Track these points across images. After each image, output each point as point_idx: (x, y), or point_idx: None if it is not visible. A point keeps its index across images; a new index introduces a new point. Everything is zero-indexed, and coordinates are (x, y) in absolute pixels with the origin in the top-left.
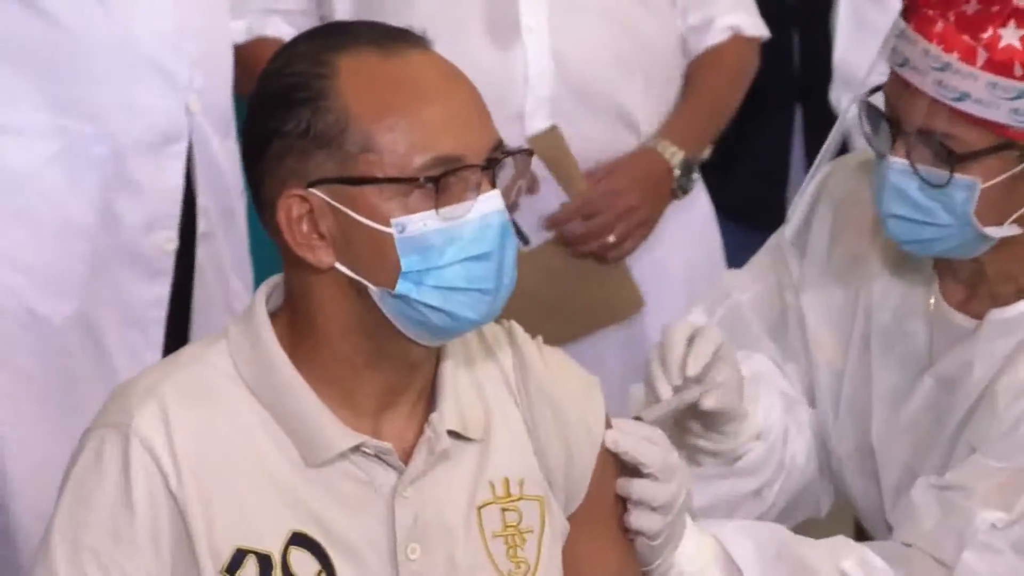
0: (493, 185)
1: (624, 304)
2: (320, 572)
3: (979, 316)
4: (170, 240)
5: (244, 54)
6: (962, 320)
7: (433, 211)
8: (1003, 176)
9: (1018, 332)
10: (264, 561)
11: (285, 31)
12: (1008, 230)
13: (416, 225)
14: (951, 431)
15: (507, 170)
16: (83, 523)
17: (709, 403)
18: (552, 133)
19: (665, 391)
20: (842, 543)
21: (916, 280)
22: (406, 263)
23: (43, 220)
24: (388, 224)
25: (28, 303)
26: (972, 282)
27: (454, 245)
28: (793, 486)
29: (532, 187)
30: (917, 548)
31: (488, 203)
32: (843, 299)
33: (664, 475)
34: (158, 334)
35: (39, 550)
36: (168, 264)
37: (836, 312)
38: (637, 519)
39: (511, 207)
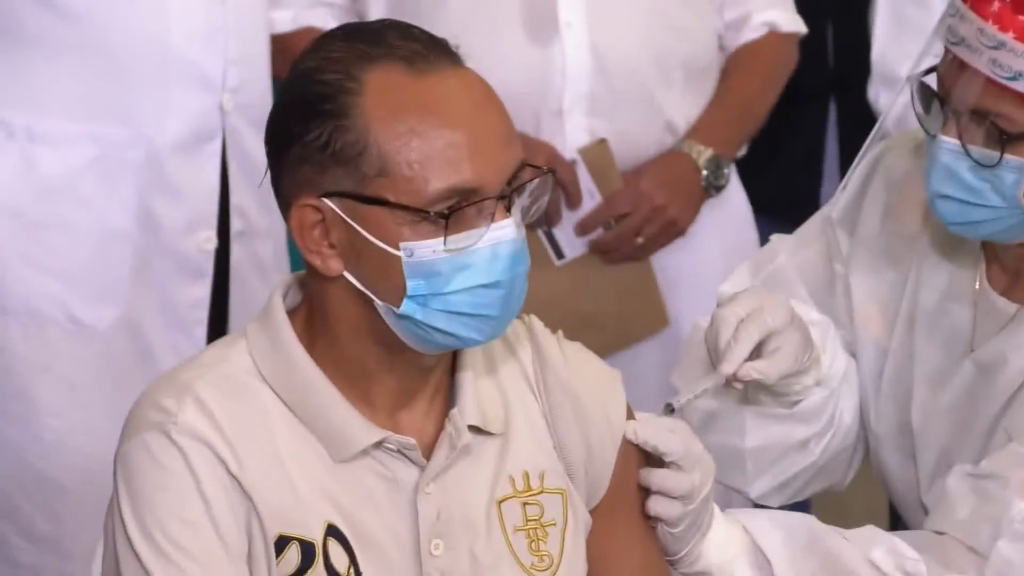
0: (509, 211)
1: (650, 322)
2: (349, 564)
3: (1022, 301)
4: (209, 240)
5: (287, 42)
6: (1005, 306)
7: (441, 240)
8: None
9: None
10: (307, 549)
11: (326, 21)
12: None
13: (424, 251)
14: (989, 417)
15: (534, 187)
16: (161, 520)
17: (757, 374)
18: (601, 146)
19: (716, 378)
20: (872, 533)
21: (964, 263)
22: (412, 286)
23: (82, 227)
24: (397, 247)
25: (72, 311)
26: (1018, 268)
27: (462, 273)
28: (837, 444)
29: (573, 200)
30: (950, 536)
31: (500, 232)
32: (892, 278)
33: (686, 464)
34: (201, 334)
35: (113, 566)
36: (208, 264)
37: (885, 290)
38: (655, 506)
39: (552, 219)
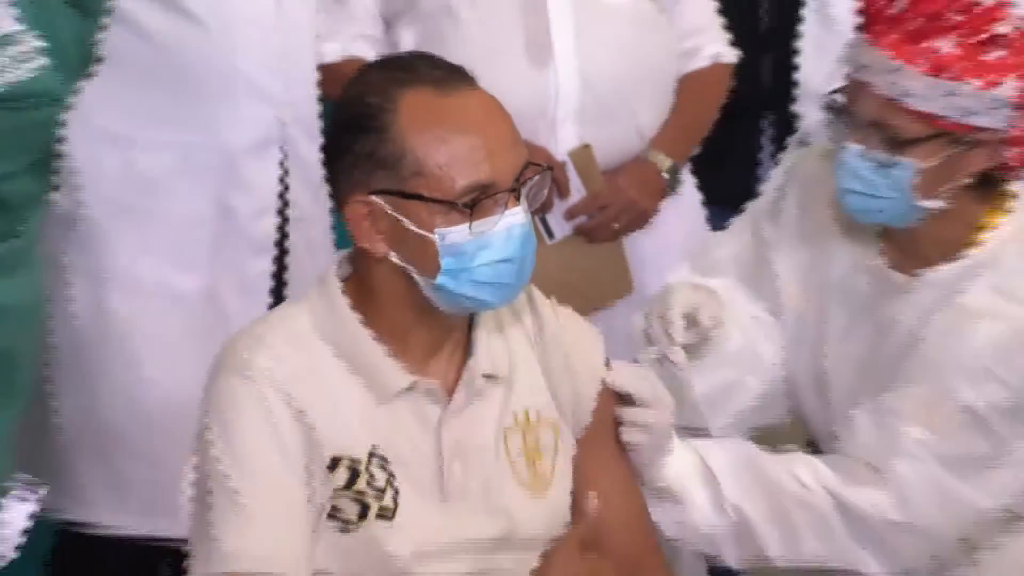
0: (518, 200)
1: (619, 288)
2: (388, 480)
3: (911, 274)
4: (272, 224)
5: (335, 69)
6: (896, 277)
7: (467, 226)
8: (936, 159)
9: (941, 288)
10: (354, 466)
11: (367, 52)
12: (937, 203)
13: (454, 235)
14: (886, 364)
15: (535, 181)
16: (239, 445)
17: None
18: (586, 150)
19: (664, 340)
20: (796, 454)
21: (864, 244)
22: (445, 263)
23: (173, 215)
24: (432, 232)
25: (163, 279)
26: (906, 246)
27: (484, 251)
28: (767, 380)
29: (563, 192)
30: (857, 458)
31: (513, 217)
32: (808, 257)
33: (652, 403)
34: (264, 299)
35: (205, 490)
36: (271, 243)
37: (802, 267)
38: (628, 435)
39: (545, 206)
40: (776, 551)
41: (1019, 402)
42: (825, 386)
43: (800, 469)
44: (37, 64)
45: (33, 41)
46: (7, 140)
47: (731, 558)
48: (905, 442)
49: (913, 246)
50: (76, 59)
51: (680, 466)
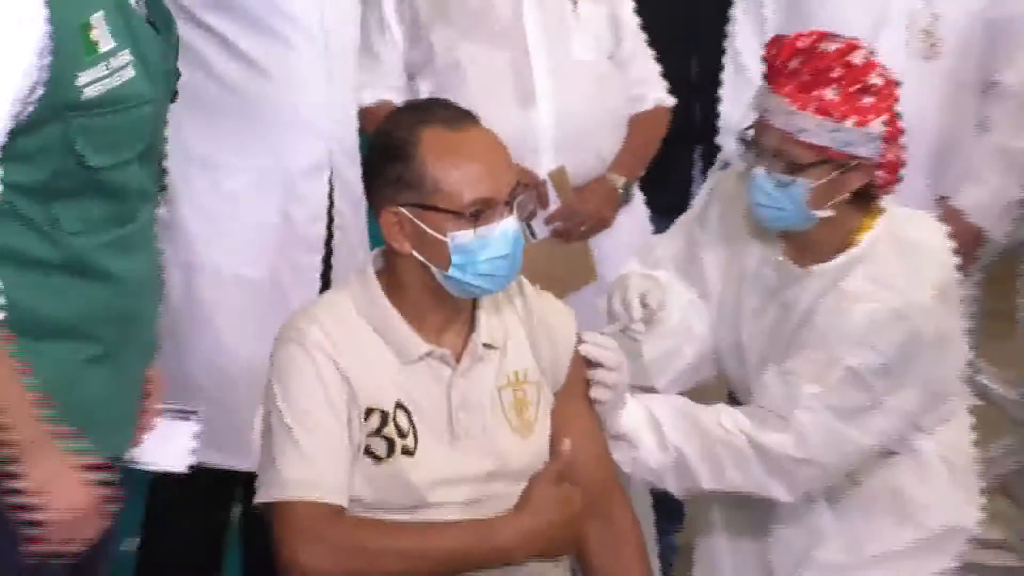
0: (511, 211)
1: (586, 277)
2: (410, 425)
3: (806, 267)
4: (322, 229)
5: (370, 111)
6: (795, 269)
7: (472, 231)
8: (824, 180)
9: (829, 277)
10: (383, 416)
11: (395, 98)
12: (825, 213)
13: (462, 238)
14: (788, 336)
15: (523, 196)
16: (296, 398)
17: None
18: (561, 171)
19: (623, 318)
20: (721, 407)
21: (770, 243)
22: (455, 259)
23: (247, 221)
24: (445, 235)
25: (241, 271)
26: (802, 245)
27: (485, 250)
28: (699, 349)
29: (543, 204)
30: (767, 408)
31: (507, 224)
32: (727, 254)
33: (614, 367)
34: (315, 287)
35: (269, 431)
36: (320, 244)
37: (723, 262)
38: (595, 392)
39: (530, 214)
40: (706, 482)
41: (889, 364)
42: (742, 353)
43: (724, 417)
44: (130, 73)
45: (126, 55)
46: (118, 135)
47: (672, 487)
48: (802, 396)
49: (807, 245)
50: (156, 68)
51: (633, 416)
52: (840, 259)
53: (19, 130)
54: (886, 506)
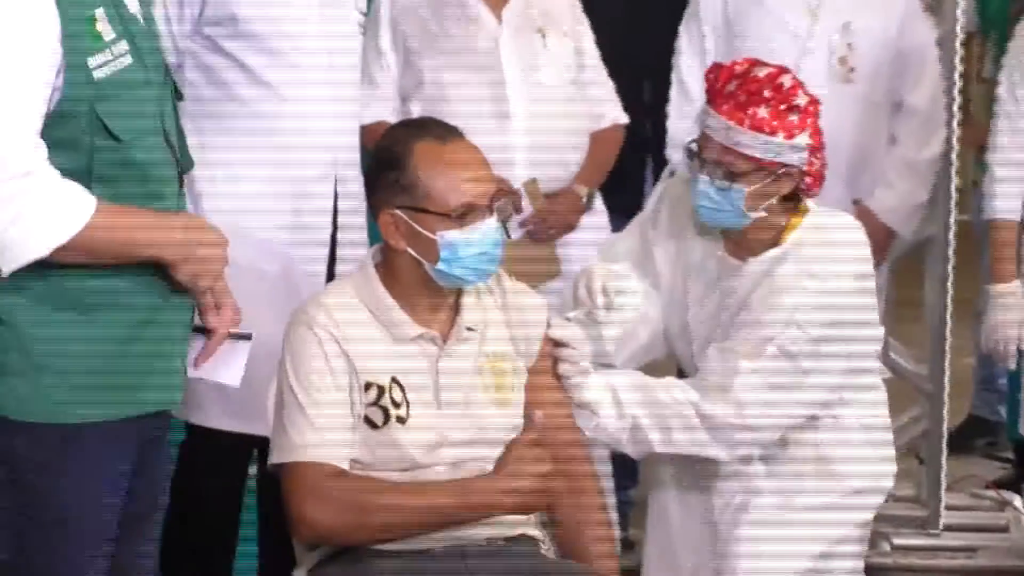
0: (492, 213)
1: (552, 273)
2: (403, 397)
3: (742, 260)
4: (328, 227)
5: (369, 129)
6: (734, 262)
7: (459, 230)
8: (758, 185)
9: (762, 269)
10: (380, 389)
11: (390, 118)
12: (759, 213)
13: (450, 237)
14: (728, 320)
15: (502, 201)
16: (305, 372)
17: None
18: (533, 182)
19: (587, 304)
20: (672, 379)
21: (712, 240)
22: (443, 255)
23: (263, 221)
24: (435, 235)
25: (257, 264)
26: (739, 241)
27: (469, 247)
28: (652, 331)
29: (518, 209)
30: (710, 381)
31: (488, 225)
32: (675, 249)
33: (579, 347)
34: (322, 278)
35: (281, 402)
36: (327, 240)
37: (671, 256)
38: (562, 368)
39: (507, 218)
40: (658, 445)
41: (816, 343)
42: (688, 335)
43: (674, 389)
44: (128, 60)
45: (124, 45)
46: (131, 112)
47: (628, 449)
48: (740, 370)
49: (744, 241)
50: (151, 57)
51: (596, 388)
52: (772, 253)
53: (54, 121)
54: (813, 466)
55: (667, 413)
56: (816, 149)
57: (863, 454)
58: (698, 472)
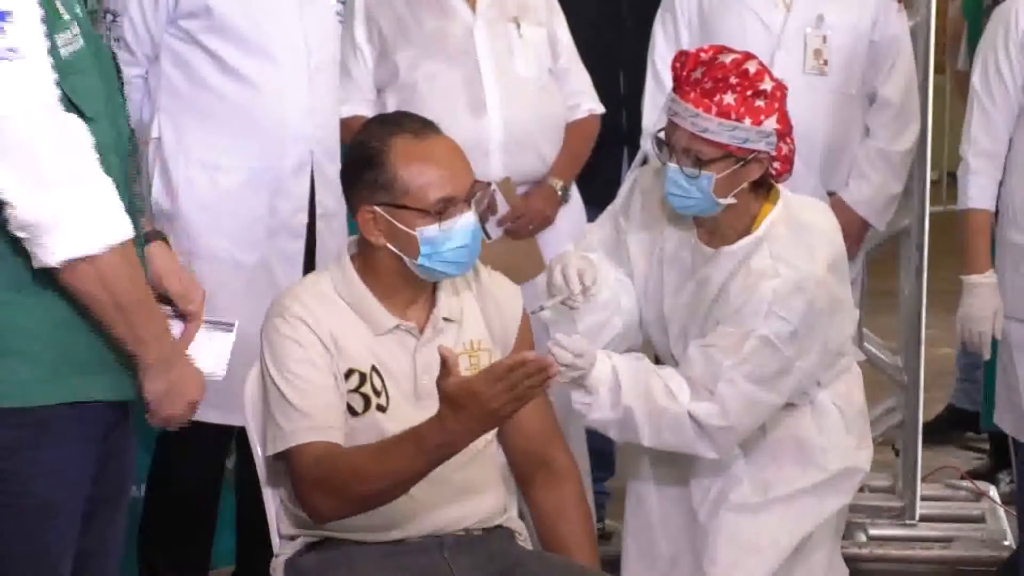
0: (469, 207)
1: (535, 269)
2: (383, 385)
3: (717, 248)
4: (304, 218)
5: (346, 123)
6: (708, 250)
7: (437, 225)
8: (726, 171)
9: (737, 256)
10: (361, 376)
11: (367, 112)
12: (729, 200)
13: (429, 232)
14: (705, 310)
15: (479, 195)
16: (283, 361)
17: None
18: (508, 181)
19: (563, 293)
20: (670, 371)
21: (685, 228)
22: (423, 250)
23: (240, 213)
24: (414, 230)
25: (235, 256)
26: (712, 229)
27: (448, 241)
28: (627, 319)
29: (493, 209)
30: (695, 379)
31: (466, 219)
32: (649, 239)
33: (582, 361)
34: (300, 269)
35: (260, 388)
36: (303, 231)
37: (645, 246)
38: (564, 377)
39: (484, 219)
40: (646, 439)
41: (796, 331)
42: (664, 324)
43: (672, 383)
44: (80, 43)
45: (76, 29)
46: (87, 91)
47: (613, 436)
48: (723, 370)
49: (716, 229)
50: (94, 42)
51: (600, 371)
52: (745, 240)
53: None
54: (791, 452)
55: (660, 411)
56: (784, 134)
57: (840, 438)
58: (676, 461)
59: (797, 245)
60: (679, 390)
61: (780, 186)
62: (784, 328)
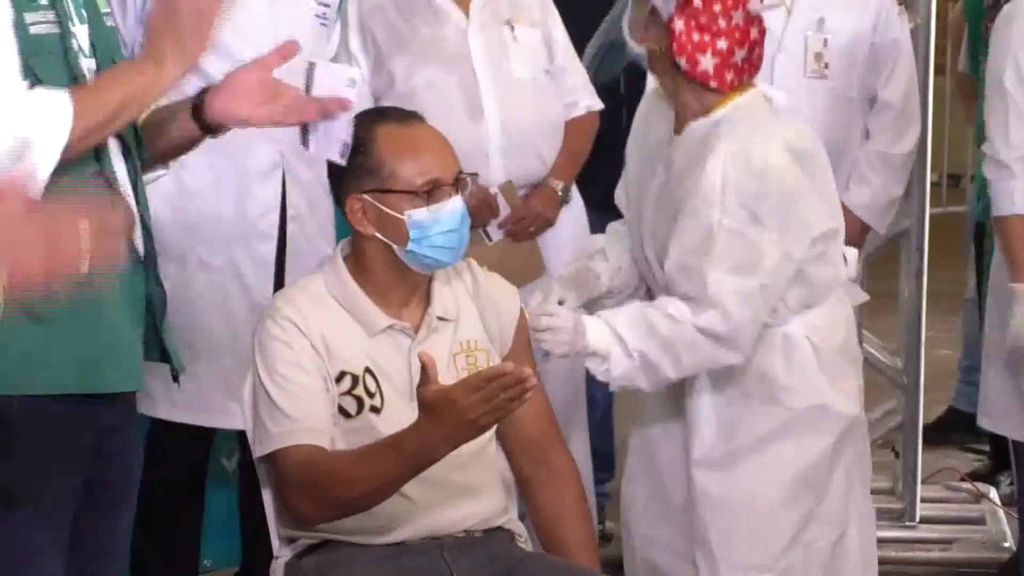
0: (457, 192)
1: (536, 271)
2: (377, 387)
3: (680, 132)
4: (274, 220)
5: None
6: (674, 136)
7: (425, 208)
8: (642, 16)
9: (697, 137)
10: (354, 379)
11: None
12: (639, 49)
13: (417, 216)
14: (669, 195)
15: (468, 192)
16: (271, 363)
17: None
18: (509, 184)
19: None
20: (664, 299)
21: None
22: (412, 235)
23: (207, 214)
24: (403, 214)
25: (200, 257)
26: (678, 112)
27: (436, 224)
28: (624, 278)
29: (496, 213)
30: (687, 296)
31: (454, 203)
32: (640, 158)
33: (561, 329)
34: (271, 271)
35: (252, 390)
36: (274, 233)
37: (638, 163)
38: (549, 348)
39: (485, 223)
40: (670, 372)
41: (755, 213)
42: (641, 232)
43: (670, 308)
44: (55, 29)
45: (51, 15)
46: (54, 75)
47: (644, 385)
48: (707, 276)
49: (679, 111)
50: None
51: (598, 335)
52: (703, 120)
53: None
54: (755, 387)
55: (670, 339)
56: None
57: (808, 374)
58: (664, 404)
59: (755, 126)
60: (678, 312)
61: (778, 98)
62: (741, 213)
